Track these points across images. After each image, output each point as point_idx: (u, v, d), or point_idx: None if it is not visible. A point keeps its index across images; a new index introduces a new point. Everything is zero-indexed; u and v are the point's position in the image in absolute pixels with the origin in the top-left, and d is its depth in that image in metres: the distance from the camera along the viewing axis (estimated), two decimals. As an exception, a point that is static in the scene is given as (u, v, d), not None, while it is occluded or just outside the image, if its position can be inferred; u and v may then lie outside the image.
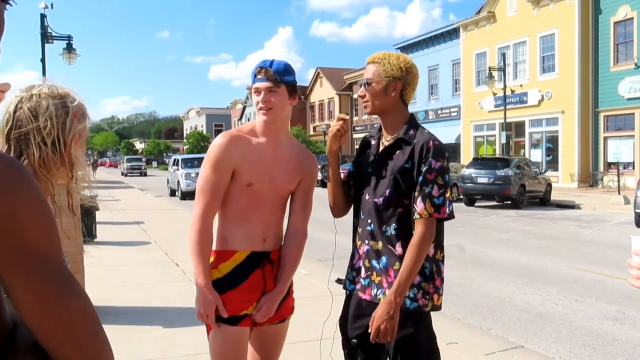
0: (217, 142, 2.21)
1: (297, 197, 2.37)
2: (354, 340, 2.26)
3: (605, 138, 23.80)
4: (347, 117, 2.32)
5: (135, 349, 4.19)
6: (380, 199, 2.19)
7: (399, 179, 2.15)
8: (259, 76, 2.20)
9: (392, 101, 2.22)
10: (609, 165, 23.33)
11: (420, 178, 2.11)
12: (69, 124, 1.40)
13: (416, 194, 2.12)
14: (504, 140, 24.60)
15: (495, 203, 17.88)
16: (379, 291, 2.18)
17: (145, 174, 48.25)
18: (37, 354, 0.80)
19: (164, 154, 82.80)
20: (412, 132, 2.20)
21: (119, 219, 12.72)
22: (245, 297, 2.22)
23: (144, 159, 60.55)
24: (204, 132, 68.51)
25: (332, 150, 2.31)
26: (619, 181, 18.26)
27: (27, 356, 0.80)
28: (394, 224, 2.17)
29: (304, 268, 7.00)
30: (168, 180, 22.53)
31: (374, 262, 2.21)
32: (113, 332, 4.83)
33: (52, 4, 15.21)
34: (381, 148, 2.27)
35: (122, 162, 54.15)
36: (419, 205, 2.10)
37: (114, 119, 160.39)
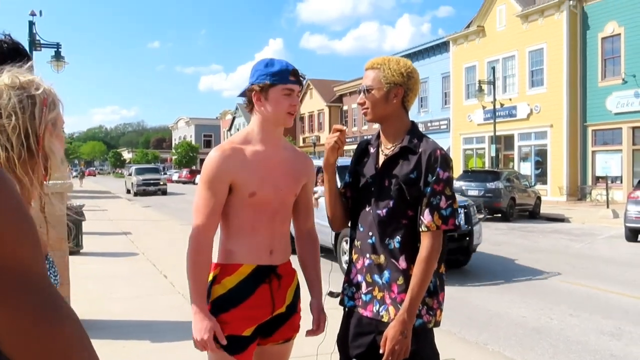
0: (211, 157, 2.10)
1: (301, 200, 2.27)
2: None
3: (593, 152, 23.98)
4: (345, 128, 2.20)
5: (122, 364, 4.04)
6: (384, 211, 2.08)
7: (404, 190, 2.04)
8: (292, 78, 2.08)
9: (394, 108, 2.11)
10: (597, 179, 23.49)
11: (428, 189, 2.02)
12: (38, 114, 1.23)
13: (423, 206, 2.02)
14: (493, 154, 24.71)
15: (485, 216, 17.88)
16: (382, 307, 2.07)
17: (165, 192, 32.38)
18: None
19: (152, 164, 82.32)
20: (416, 140, 2.09)
21: (105, 229, 12.51)
22: (251, 314, 2.07)
23: (161, 167, 50.64)
24: (193, 142, 68.24)
25: (329, 162, 2.18)
26: (607, 195, 18.34)
27: None
28: (397, 237, 2.06)
29: (295, 280, 6.89)
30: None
31: (376, 277, 2.09)
32: (99, 346, 4.66)
33: (40, 12, 15.06)
34: (381, 157, 2.15)
35: (129, 174, 35.47)
36: (426, 218, 2.01)
37: (102, 128, 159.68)
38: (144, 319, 5.25)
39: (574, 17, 24.29)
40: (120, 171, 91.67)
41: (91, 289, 6.36)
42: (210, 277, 2.10)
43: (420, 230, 2.02)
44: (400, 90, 2.09)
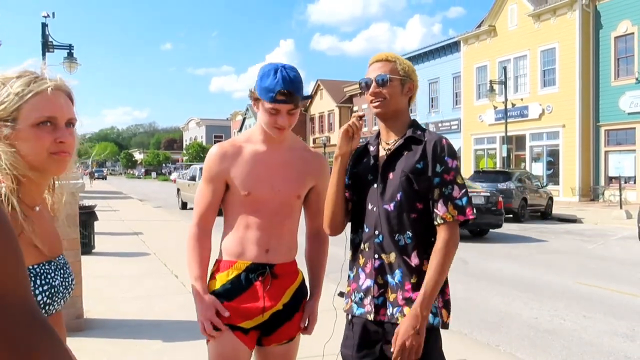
0: (210, 153, 2.20)
1: (311, 200, 2.26)
2: None
3: (606, 152, 23.77)
4: (363, 115, 2.17)
5: (134, 363, 4.06)
6: (392, 205, 1.97)
7: (412, 180, 1.95)
8: (280, 98, 2.01)
9: (404, 102, 2.09)
10: (610, 180, 23.27)
11: (437, 179, 1.94)
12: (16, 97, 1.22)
13: (435, 197, 1.94)
14: (504, 154, 24.56)
15: (496, 216, 17.76)
16: (395, 310, 1.95)
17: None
18: None
19: (163, 165, 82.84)
20: (419, 132, 2.05)
21: (117, 229, 12.58)
22: (243, 309, 2.10)
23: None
24: (204, 143, 68.53)
25: (341, 152, 2.03)
26: (620, 195, 18.17)
27: None
28: (408, 232, 1.95)
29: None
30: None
31: (388, 278, 1.99)
32: (111, 346, 4.70)
33: (53, 13, 15.20)
34: (383, 152, 2.07)
35: (187, 178, 20.30)
36: (440, 210, 1.92)
37: (114, 129, 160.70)
38: (155, 318, 5.27)
39: (586, 16, 24.09)
40: (132, 172, 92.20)
41: (103, 288, 6.40)
42: (209, 272, 2.20)
43: (436, 223, 1.94)
44: (412, 85, 2.08)
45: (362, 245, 2.06)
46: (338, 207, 2.10)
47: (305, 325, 2.25)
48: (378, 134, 2.15)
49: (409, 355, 1.87)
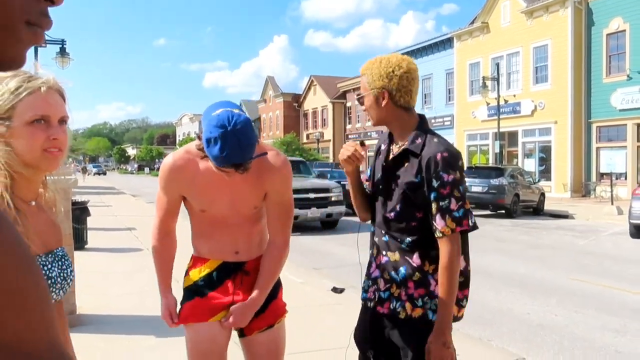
0: (164, 164, 2.14)
1: (269, 208, 2.18)
2: (370, 352, 2.17)
3: (597, 149, 23.90)
4: (365, 145, 2.16)
5: (128, 359, 4.05)
6: (392, 214, 2.08)
7: (409, 195, 2.02)
8: (226, 168, 1.89)
9: (388, 110, 2.06)
10: (601, 176, 23.41)
11: (434, 194, 1.97)
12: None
13: (433, 211, 1.97)
14: (497, 150, 24.65)
15: (489, 212, 17.84)
16: (398, 304, 2.07)
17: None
18: None
19: (157, 160, 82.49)
20: (419, 140, 2.03)
21: (110, 225, 12.54)
22: (213, 305, 2.15)
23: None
24: (197, 138, 68.01)
25: (347, 170, 2.20)
26: (612, 192, 18.29)
27: None
28: (407, 238, 2.05)
29: (299, 277, 6.87)
30: None
31: (393, 274, 2.09)
32: (104, 342, 4.68)
33: (45, 8, 15.07)
34: (390, 156, 2.13)
35: None
36: (439, 223, 1.96)
37: (106, 124, 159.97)
38: (148, 314, 5.25)
39: (578, 13, 24.17)
40: (125, 167, 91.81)
41: (96, 284, 6.38)
42: (186, 267, 2.27)
43: (437, 236, 1.99)
44: (384, 93, 2.04)
45: (375, 238, 2.19)
46: (360, 205, 2.26)
47: (227, 318, 2.14)
48: (391, 132, 2.20)
49: None
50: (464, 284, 2.10)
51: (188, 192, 2.11)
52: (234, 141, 1.80)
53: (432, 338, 1.97)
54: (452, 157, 1.99)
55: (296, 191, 11.16)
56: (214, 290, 2.16)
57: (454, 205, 1.96)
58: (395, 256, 2.09)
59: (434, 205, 1.97)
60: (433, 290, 2.02)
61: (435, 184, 1.96)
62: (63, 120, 1.34)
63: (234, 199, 2.10)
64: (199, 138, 1.95)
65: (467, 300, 2.15)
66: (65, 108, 1.35)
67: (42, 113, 1.28)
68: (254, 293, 2.14)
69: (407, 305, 2.04)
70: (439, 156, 1.97)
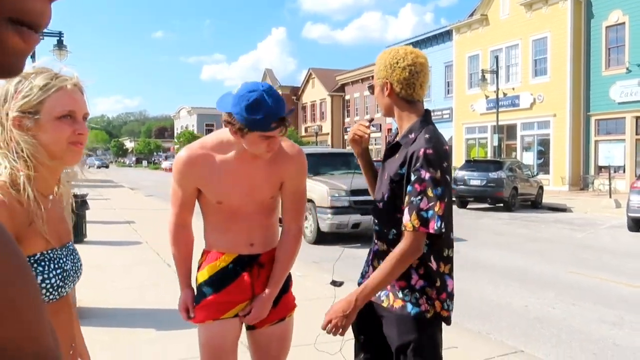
0: (178, 158, 2.15)
1: (285, 198, 2.24)
2: (361, 337, 2.22)
3: (596, 142, 23.93)
4: (372, 119, 2.27)
5: (128, 352, 4.07)
6: (381, 204, 2.12)
7: (394, 186, 2.05)
8: (274, 125, 1.93)
9: (390, 101, 2.09)
10: (599, 169, 23.45)
11: (410, 188, 1.95)
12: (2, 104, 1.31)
13: (405, 203, 1.97)
14: (496, 143, 24.65)
15: (487, 205, 17.87)
16: (382, 293, 2.09)
17: None
18: None
19: (154, 153, 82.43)
20: (412, 135, 2.04)
21: (109, 218, 12.54)
22: (230, 299, 2.16)
23: None
24: (195, 131, 68.20)
25: (356, 152, 2.29)
26: (610, 185, 18.32)
27: None
28: (393, 229, 2.06)
29: (298, 270, 6.89)
30: None
31: (380, 263, 2.08)
32: (104, 335, 4.70)
33: (42, 0, 14.99)
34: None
35: None
36: (405, 217, 1.95)
37: (104, 117, 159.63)
38: (148, 307, 5.28)
39: (578, 5, 24.12)
40: (123, 160, 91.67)
41: (95, 277, 6.39)
42: (198, 263, 2.26)
43: (401, 229, 1.98)
44: (387, 83, 2.07)
45: (375, 227, 2.20)
46: (372, 185, 2.32)
47: (249, 311, 2.17)
48: None
49: (334, 331, 1.99)
50: (443, 287, 2.08)
51: (204, 185, 2.12)
52: (273, 96, 1.92)
53: (342, 301, 1.98)
54: (435, 155, 1.95)
55: (356, 192, 7.82)
56: (230, 285, 2.15)
57: (424, 204, 1.92)
58: (383, 246, 2.12)
59: (406, 199, 1.97)
60: (414, 285, 2.03)
61: (412, 177, 1.96)
62: (85, 117, 1.42)
63: (252, 188, 2.13)
64: (229, 123, 1.95)
65: (450, 302, 2.11)
66: (87, 105, 1.42)
67: (69, 109, 1.35)
68: (271, 285, 2.17)
69: (391, 295, 2.06)
70: (422, 151, 1.94)
